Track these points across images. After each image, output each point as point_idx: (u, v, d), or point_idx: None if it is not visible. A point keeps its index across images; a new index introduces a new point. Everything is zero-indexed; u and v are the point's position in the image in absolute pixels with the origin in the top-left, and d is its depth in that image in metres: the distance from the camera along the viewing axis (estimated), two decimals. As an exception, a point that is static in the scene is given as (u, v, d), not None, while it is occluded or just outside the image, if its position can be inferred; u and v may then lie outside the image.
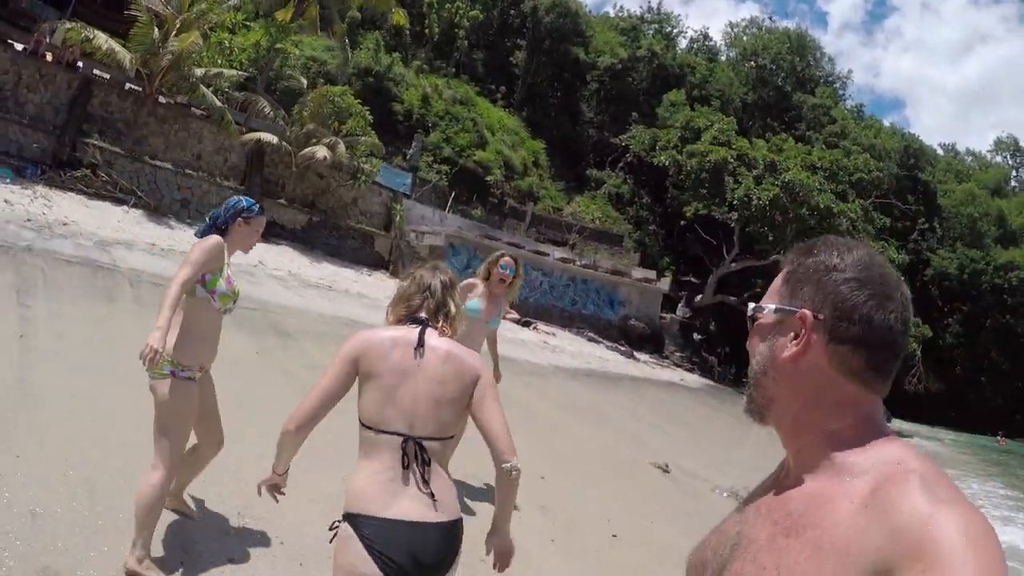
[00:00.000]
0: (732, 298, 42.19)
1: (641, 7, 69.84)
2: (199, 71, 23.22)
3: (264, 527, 4.83)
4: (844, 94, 60.27)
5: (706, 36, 62.14)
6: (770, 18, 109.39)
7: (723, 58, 59.97)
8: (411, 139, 38.08)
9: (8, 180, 17.18)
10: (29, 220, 13.10)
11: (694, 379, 32.82)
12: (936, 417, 50.37)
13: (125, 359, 7.58)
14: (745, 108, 52.10)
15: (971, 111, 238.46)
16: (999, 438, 46.89)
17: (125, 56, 21.69)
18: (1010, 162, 74.22)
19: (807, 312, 1.19)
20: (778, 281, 1.31)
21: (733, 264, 41.77)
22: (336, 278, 21.05)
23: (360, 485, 2.64)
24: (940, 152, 69.84)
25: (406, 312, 2.96)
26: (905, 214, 50.14)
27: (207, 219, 4.34)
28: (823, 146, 46.25)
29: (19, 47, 21.69)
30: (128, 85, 23.66)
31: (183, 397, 4.06)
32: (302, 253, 24.05)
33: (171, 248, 15.87)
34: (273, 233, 24.98)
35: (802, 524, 1.10)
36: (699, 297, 43.35)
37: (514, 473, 2.71)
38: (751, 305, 1.32)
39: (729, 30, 61.03)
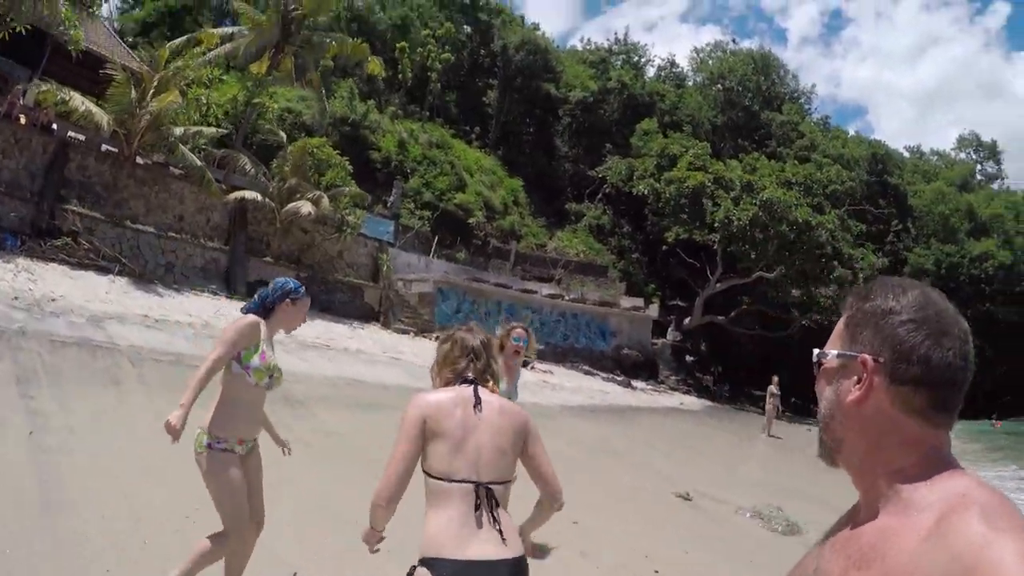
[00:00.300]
0: (720, 318, 42.52)
1: (608, 39, 70.06)
2: (178, 130, 22.75)
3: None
4: (810, 108, 60.80)
5: (673, 63, 62.51)
6: (733, 40, 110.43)
7: (691, 83, 60.13)
8: (390, 186, 37.85)
9: (-12, 254, 16.64)
10: (16, 298, 12.55)
11: (691, 401, 32.68)
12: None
13: (144, 447, 7.24)
14: (715, 130, 52.26)
15: (930, 111, 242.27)
16: (993, 421, 47.10)
17: (102, 117, 21.18)
18: (973, 157, 75.37)
19: (867, 357, 1.23)
20: (840, 326, 1.35)
21: (718, 284, 41.88)
22: (331, 335, 20.54)
23: (435, 531, 2.81)
24: (906, 154, 70.86)
25: (453, 375, 3.22)
26: (878, 218, 50.71)
27: (255, 298, 4.56)
28: (795, 161, 46.39)
29: (-9, 110, 21.26)
30: (104, 147, 23.19)
31: (222, 468, 4.19)
32: (292, 310, 23.45)
33: (163, 318, 15.35)
34: (261, 291, 24.46)
35: (871, 557, 1.13)
36: (687, 320, 43.32)
37: (559, 507, 3.19)
38: (816, 351, 1.36)
39: (695, 55, 61.06)
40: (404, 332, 26.77)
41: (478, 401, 3.05)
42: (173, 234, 23.33)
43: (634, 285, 43.50)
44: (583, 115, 52.53)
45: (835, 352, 1.30)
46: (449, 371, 3.24)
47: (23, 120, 21.64)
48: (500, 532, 2.84)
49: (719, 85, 55.62)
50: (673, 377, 38.39)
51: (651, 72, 61.40)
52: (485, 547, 2.79)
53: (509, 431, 3.05)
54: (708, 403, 33.99)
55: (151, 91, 22.08)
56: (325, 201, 25.23)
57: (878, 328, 1.24)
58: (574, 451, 13.26)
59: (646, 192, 41.52)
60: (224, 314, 18.46)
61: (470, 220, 40.40)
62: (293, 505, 5.47)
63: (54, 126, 22.62)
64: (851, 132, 64.52)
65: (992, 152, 75.30)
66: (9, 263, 16.15)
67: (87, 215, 21.02)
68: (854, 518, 1.31)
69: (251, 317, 4.37)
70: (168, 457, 7.14)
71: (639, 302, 38.94)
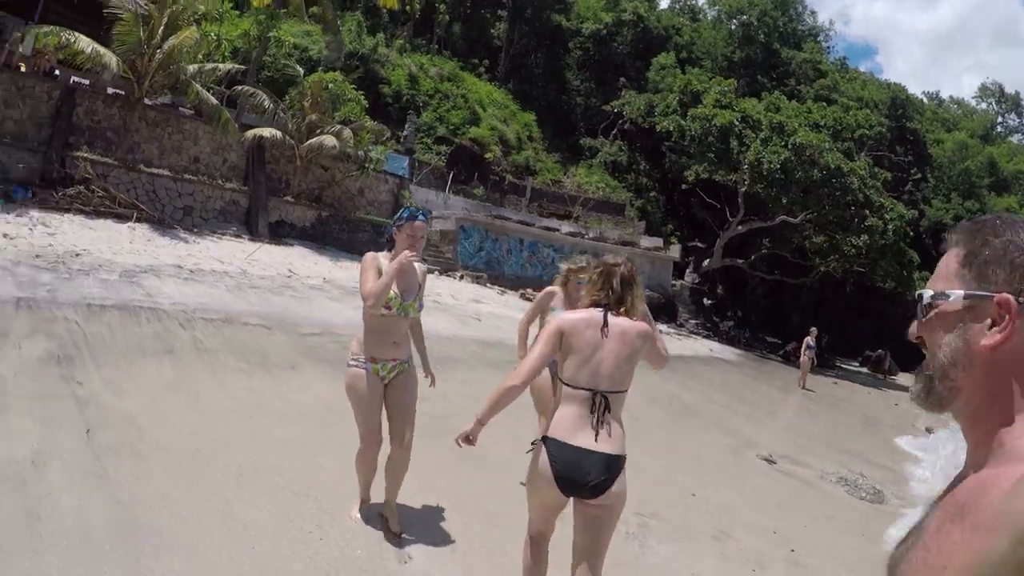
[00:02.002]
0: (739, 260, 40.94)
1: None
2: (191, 68, 21.01)
3: None
4: (828, 47, 58.35)
5: (688, -6, 59.82)
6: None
7: (706, 17, 57.67)
8: (402, 121, 36.09)
9: (-1, 207, 15.17)
10: (38, 256, 11.09)
11: (719, 348, 31.34)
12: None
13: (227, 430, 6.01)
14: (732, 67, 49.85)
15: (945, 55, 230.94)
16: None
17: (111, 59, 19.46)
18: (995, 108, 72.12)
19: (1009, 297, 1.11)
20: (953, 264, 1.22)
21: (739, 227, 40.18)
22: (355, 274, 19.16)
23: (557, 420, 3.58)
24: (924, 100, 67.71)
25: (591, 303, 3.76)
26: (897, 165, 48.51)
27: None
28: (814, 101, 44.53)
29: (-12, 60, 19.59)
30: (111, 90, 21.51)
31: (349, 378, 4.81)
32: (316, 251, 22.19)
33: (197, 268, 13.96)
34: (283, 233, 23.20)
35: (967, 510, 1.04)
36: (707, 262, 41.72)
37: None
38: (927, 293, 1.24)
39: (711, -13, 58.46)
40: (429, 272, 25.36)
41: (605, 324, 3.61)
42: (190, 176, 21.84)
43: (652, 224, 41.98)
44: (595, 48, 50.12)
45: (961, 293, 1.17)
46: (589, 300, 3.79)
47: (23, 68, 19.92)
48: (605, 430, 3.49)
49: (736, 20, 53.11)
50: (692, 321, 37.14)
51: (664, 4, 58.93)
52: (588, 439, 3.46)
53: (628, 351, 3.61)
54: (735, 351, 32.64)
55: (160, 28, 20.32)
56: (348, 133, 23.71)
57: (1015, 265, 1.12)
58: (654, 411, 12.32)
59: (671, 129, 39.38)
60: (256, 259, 17.13)
61: (486, 155, 38.68)
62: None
63: (56, 72, 20.87)
64: (875, 75, 62.02)
65: (1015, 104, 71.75)
66: (23, 216, 14.72)
67: (99, 161, 19.50)
68: (961, 474, 1.21)
69: (368, 255, 4.88)
70: (254, 441, 6.06)
71: (658, 242, 37.59)
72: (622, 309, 3.69)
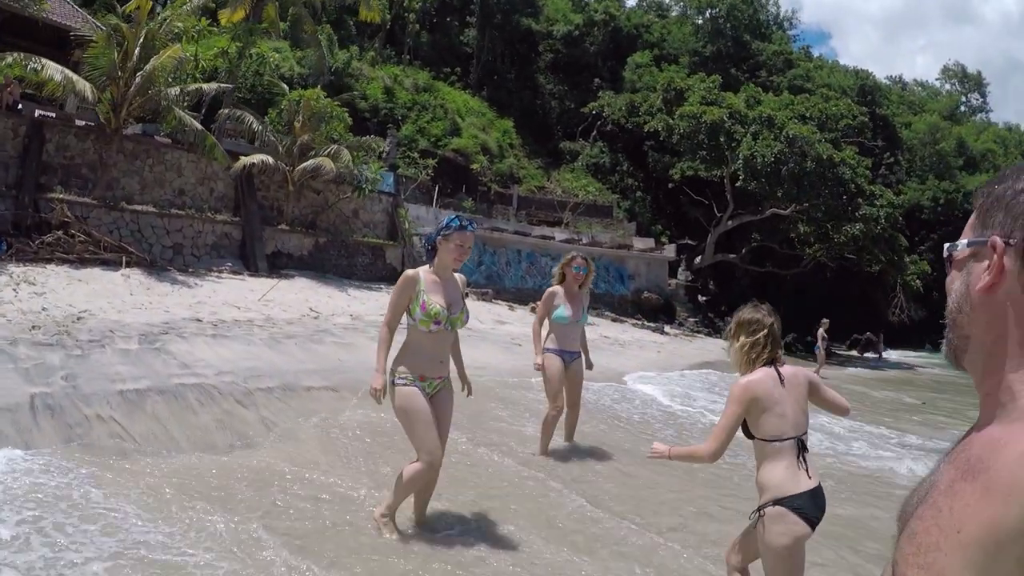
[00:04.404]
0: (731, 255, 39.56)
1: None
2: (173, 91, 18.65)
3: None
4: (795, 35, 57.22)
5: (654, -8, 58.11)
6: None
7: (674, 13, 56.11)
8: (382, 136, 33.76)
9: (-28, 264, 12.81)
10: (35, 327, 8.70)
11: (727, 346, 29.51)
12: (922, 342, 48.65)
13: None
14: (704, 62, 48.11)
15: (899, 36, 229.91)
16: None
17: (84, 86, 17.07)
18: (959, 88, 72.34)
19: (996, 238, 1.08)
20: (972, 217, 1.19)
21: (729, 222, 38.70)
22: (376, 304, 17.06)
23: (780, 479, 3.62)
24: (889, 85, 67.20)
25: (766, 358, 3.85)
26: (869, 151, 47.53)
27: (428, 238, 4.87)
28: (788, 92, 43.29)
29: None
30: (80, 121, 19.10)
31: (401, 399, 4.60)
32: (320, 282, 20.04)
33: (218, 320, 11.62)
34: (280, 264, 21.05)
35: (978, 468, 0.98)
36: (699, 259, 40.14)
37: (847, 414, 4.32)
38: (947, 245, 1.21)
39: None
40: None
41: (781, 378, 3.78)
42: (176, 211, 19.52)
43: (642, 225, 40.22)
44: (566, 50, 48.10)
45: (966, 241, 1.15)
46: (760, 357, 3.85)
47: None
48: (809, 468, 3.68)
49: (704, 15, 51.68)
50: (691, 319, 35.57)
51: (631, 2, 57.15)
52: (808, 480, 3.65)
53: (803, 395, 3.83)
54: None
55: (136, 50, 17.99)
56: (345, 154, 21.53)
57: (1008, 208, 1.08)
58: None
59: (660, 128, 37.78)
60: (270, 299, 14.93)
61: (473, 166, 36.58)
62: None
63: (19, 106, 18.42)
64: (840, 62, 61.13)
65: (977, 83, 72.39)
66: (1, 275, 12.33)
67: (76, 202, 17.16)
68: (972, 429, 1.14)
69: (405, 274, 4.71)
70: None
71: (651, 242, 36.04)
72: (780, 358, 3.94)
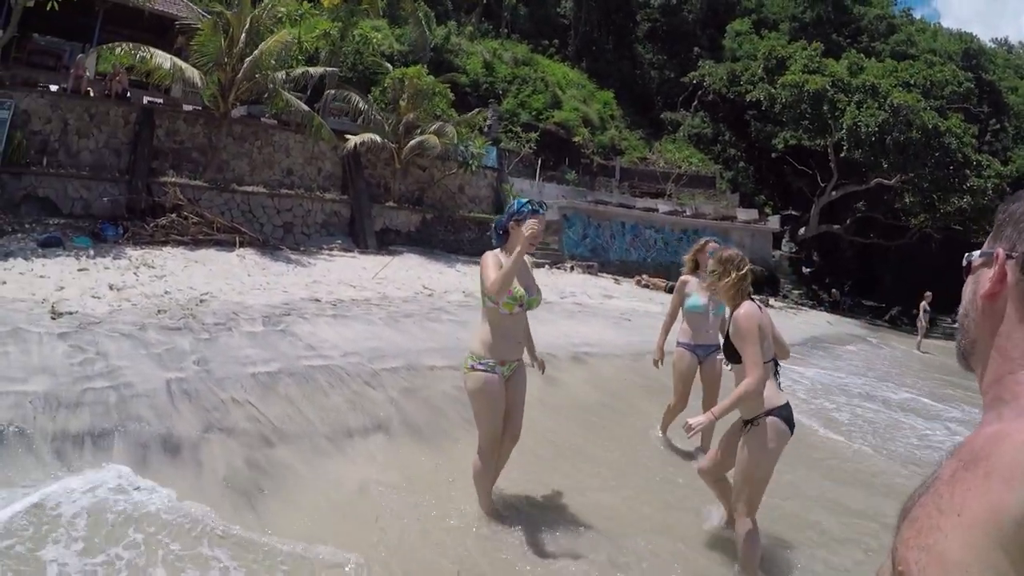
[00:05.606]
0: (835, 226, 37.85)
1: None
2: (279, 75, 18.51)
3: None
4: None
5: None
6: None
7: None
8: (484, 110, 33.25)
9: (89, 249, 12.79)
10: (161, 312, 8.49)
11: (833, 319, 28.07)
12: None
13: None
14: (804, 28, 45.80)
15: None
16: None
17: (194, 73, 17.03)
18: None
19: (1000, 250, 1.13)
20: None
21: (833, 192, 36.90)
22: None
23: (769, 393, 4.20)
24: (994, 48, 61.75)
25: (746, 295, 4.36)
26: (976, 117, 44.44)
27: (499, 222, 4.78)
28: (891, 58, 40.79)
29: (54, 88, 17.18)
30: (188, 106, 19.18)
31: (477, 385, 4.56)
32: (427, 257, 19.70)
33: (336, 299, 11.28)
34: (389, 240, 20.79)
35: (980, 458, 0.99)
36: (803, 230, 38.47)
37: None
38: (966, 254, 1.24)
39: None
40: (539, 266, 22.64)
41: (761, 307, 4.31)
42: (286, 191, 19.45)
43: (745, 196, 38.60)
44: (664, 18, 46.47)
45: (979, 252, 1.19)
46: (748, 289, 4.35)
47: (91, 93, 17.61)
48: (780, 385, 4.43)
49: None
50: (795, 291, 34.36)
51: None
52: (783, 396, 4.33)
53: (771, 321, 4.42)
54: (850, 320, 29.48)
55: (241, 35, 17.87)
56: (451, 130, 21.14)
57: (1016, 223, 1.12)
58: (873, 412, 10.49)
59: (762, 98, 36.18)
60: (383, 277, 14.63)
61: (575, 139, 35.69)
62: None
63: (128, 94, 18.53)
64: (919, 21, 56.57)
65: None
66: (120, 258, 12.25)
67: (188, 185, 17.16)
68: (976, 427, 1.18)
69: (484, 256, 4.57)
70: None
71: (754, 214, 34.49)
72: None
